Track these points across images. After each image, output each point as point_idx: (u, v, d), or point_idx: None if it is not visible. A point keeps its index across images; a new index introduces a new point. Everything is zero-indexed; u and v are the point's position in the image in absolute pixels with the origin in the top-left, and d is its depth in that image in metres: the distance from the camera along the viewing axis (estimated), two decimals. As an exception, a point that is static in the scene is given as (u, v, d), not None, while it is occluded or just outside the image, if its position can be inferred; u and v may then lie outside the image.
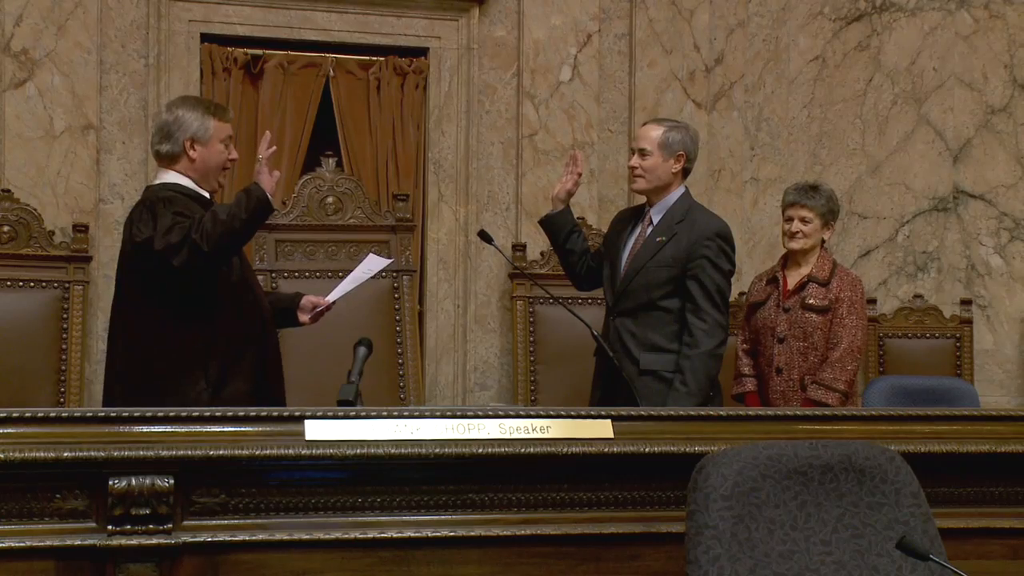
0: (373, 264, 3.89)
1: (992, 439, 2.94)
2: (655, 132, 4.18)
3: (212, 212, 3.43)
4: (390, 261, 4.01)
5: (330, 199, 5.36)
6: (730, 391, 4.71)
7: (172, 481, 2.48)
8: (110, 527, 2.46)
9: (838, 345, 4.41)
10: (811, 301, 4.47)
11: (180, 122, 3.58)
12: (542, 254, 5.68)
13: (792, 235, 4.57)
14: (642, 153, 4.17)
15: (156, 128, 3.66)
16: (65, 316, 5.13)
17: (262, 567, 2.55)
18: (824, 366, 4.41)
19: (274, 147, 3.64)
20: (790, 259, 4.63)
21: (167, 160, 3.62)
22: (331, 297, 3.82)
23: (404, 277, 5.39)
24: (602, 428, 2.74)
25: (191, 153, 3.58)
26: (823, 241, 4.62)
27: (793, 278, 4.57)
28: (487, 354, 5.84)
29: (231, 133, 3.69)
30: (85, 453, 2.45)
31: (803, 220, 4.54)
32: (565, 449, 2.68)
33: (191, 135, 3.58)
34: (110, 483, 2.45)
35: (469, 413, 2.72)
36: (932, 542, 2.34)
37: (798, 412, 3.08)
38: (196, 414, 2.60)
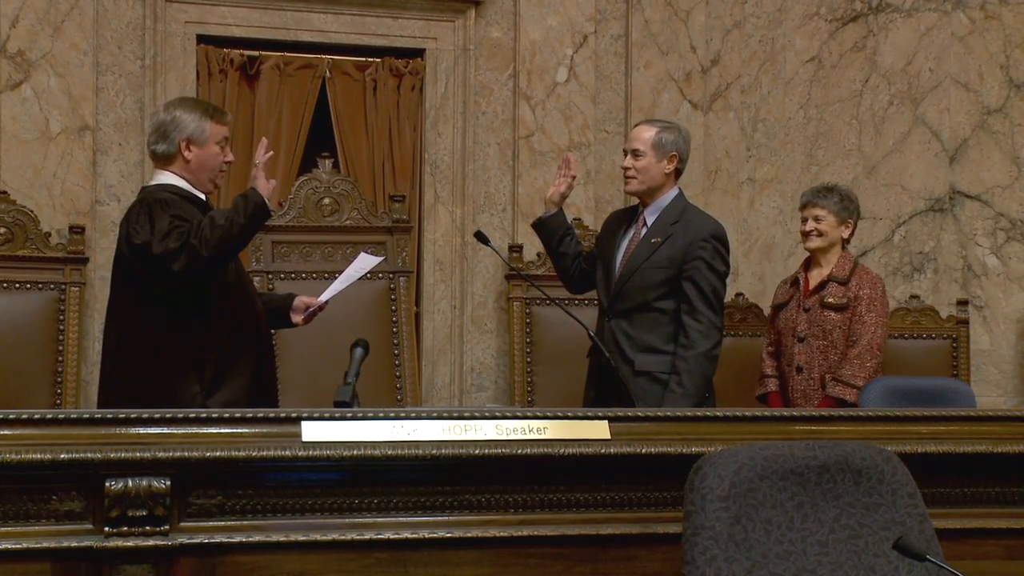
0: (365, 263, 3.89)
1: (989, 439, 2.94)
2: (647, 133, 4.18)
3: (210, 217, 3.43)
4: (381, 259, 4.02)
5: (326, 200, 5.36)
6: (754, 392, 4.78)
7: (169, 482, 2.48)
8: (107, 529, 2.46)
9: (858, 342, 4.46)
10: (830, 299, 4.53)
11: (177, 123, 3.59)
12: (539, 255, 5.68)
13: (807, 235, 4.63)
14: (635, 154, 4.17)
15: (153, 128, 3.67)
16: (61, 318, 5.12)
17: (259, 568, 2.55)
18: (843, 363, 4.46)
19: (271, 152, 3.65)
20: (812, 261, 4.70)
21: (162, 160, 3.62)
22: (324, 297, 3.82)
23: (400, 278, 5.39)
24: (599, 429, 2.75)
25: (186, 154, 3.58)
26: (844, 242, 4.66)
27: (814, 279, 4.64)
28: (484, 355, 5.84)
29: (228, 135, 3.69)
30: (81, 455, 2.45)
31: (817, 219, 4.62)
32: (562, 450, 2.68)
33: (187, 136, 3.58)
34: (107, 484, 2.45)
35: (466, 414, 2.72)
36: (929, 542, 2.34)
37: (795, 413, 3.09)
38: (193, 415, 2.60)
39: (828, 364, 4.51)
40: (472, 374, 5.82)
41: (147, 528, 2.47)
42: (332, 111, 5.81)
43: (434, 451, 2.61)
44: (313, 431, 2.59)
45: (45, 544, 2.45)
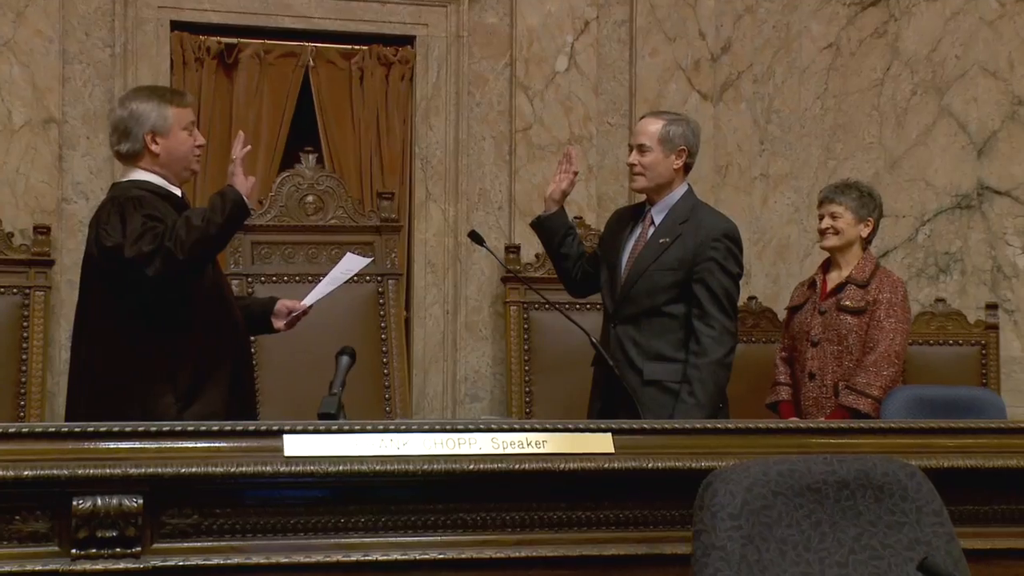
0: (352, 264, 3.89)
1: (1020, 453, 2.94)
2: (654, 126, 4.19)
3: (186, 218, 3.43)
4: (369, 260, 4.02)
5: (310, 198, 5.36)
6: (764, 400, 4.78)
7: (141, 501, 2.47)
8: (74, 551, 2.46)
9: (875, 349, 4.46)
10: (847, 302, 4.53)
11: (136, 116, 3.57)
12: (537, 256, 5.69)
13: (823, 232, 4.65)
14: (641, 149, 4.18)
15: (112, 127, 3.65)
16: (25, 324, 5.12)
17: (238, 593, 2.55)
18: (858, 370, 4.45)
19: (249, 147, 3.64)
20: (831, 262, 4.71)
21: (130, 159, 3.61)
22: (307, 301, 3.82)
23: (389, 281, 5.39)
24: (602, 442, 2.75)
25: (153, 147, 3.57)
26: (864, 241, 4.66)
27: (832, 281, 4.65)
28: (478, 363, 5.84)
29: (193, 118, 3.69)
30: (47, 471, 2.44)
31: (833, 216, 4.64)
32: (563, 465, 2.68)
33: (150, 128, 3.57)
34: (74, 503, 2.45)
35: (459, 427, 2.72)
36: (956, 563, 2.34)
37: (811, 425, 3.09)
38: (167, 429, 2.60)
39: (842, 371, 4.51)
40: (466, 384, 5.82)
41: (117, 550, 2.46)
42: (316, 102, 5.82)
43: (425, 466, 2.61)
44: (296, 445, 2.59)
45: (8, 568, 2.45)
